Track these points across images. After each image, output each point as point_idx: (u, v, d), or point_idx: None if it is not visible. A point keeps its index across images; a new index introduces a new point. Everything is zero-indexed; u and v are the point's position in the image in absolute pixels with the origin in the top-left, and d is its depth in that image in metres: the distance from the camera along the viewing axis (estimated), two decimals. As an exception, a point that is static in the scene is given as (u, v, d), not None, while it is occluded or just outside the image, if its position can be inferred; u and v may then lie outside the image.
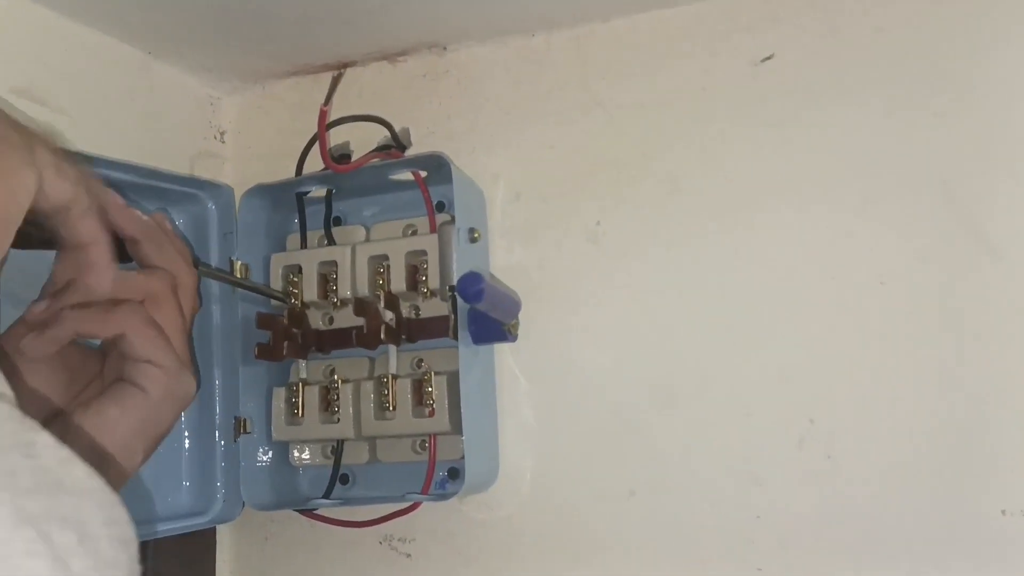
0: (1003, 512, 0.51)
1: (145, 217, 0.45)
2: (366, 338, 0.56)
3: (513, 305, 0.57)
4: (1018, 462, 0.51)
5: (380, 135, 0.63)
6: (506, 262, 0.61)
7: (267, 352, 0.58)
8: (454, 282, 0.54)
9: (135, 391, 0.41)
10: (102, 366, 0.44)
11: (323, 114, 0.55)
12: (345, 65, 0.65)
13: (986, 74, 0.54)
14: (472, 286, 0.47)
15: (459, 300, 0.53)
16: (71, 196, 0.38)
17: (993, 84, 0.53)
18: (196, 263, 0.51)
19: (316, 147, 0.59)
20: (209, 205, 0.61)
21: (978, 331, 0.52)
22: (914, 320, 0.53)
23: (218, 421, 0.59)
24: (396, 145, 0.63)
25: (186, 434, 0.59)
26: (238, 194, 0.61)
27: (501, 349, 0.61)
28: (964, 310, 0.52)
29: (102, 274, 0.41)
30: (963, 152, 0.53)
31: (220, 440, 0.59)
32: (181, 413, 0.45)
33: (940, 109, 0.54)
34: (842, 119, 0.56)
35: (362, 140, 0.64)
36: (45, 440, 0.26)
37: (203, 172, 0.66)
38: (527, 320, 0.60)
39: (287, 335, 0.59)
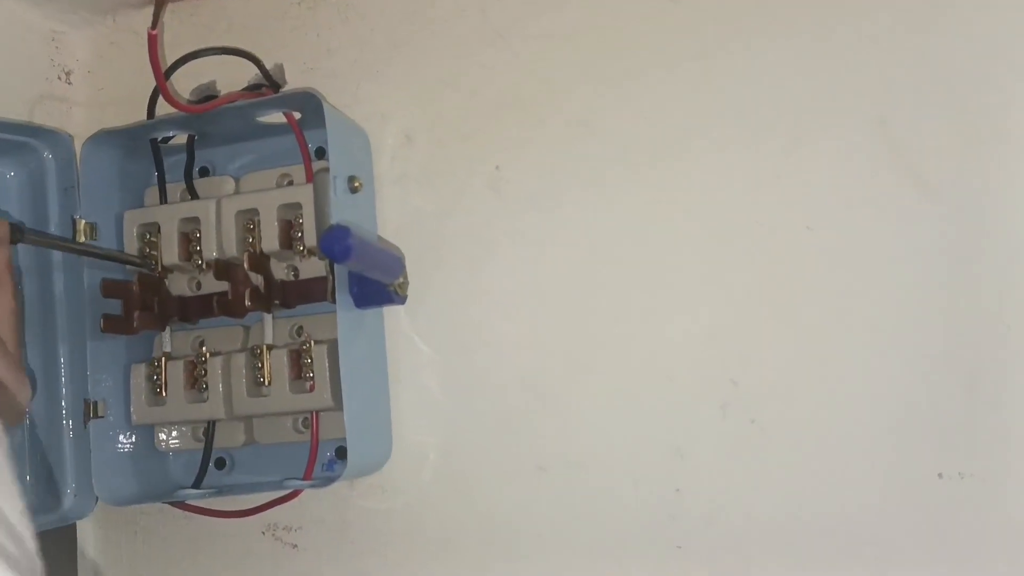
0: (940, 475, 0.47)
1: None
2: (230, 305, 0.49)
3: (393, 262, 0.50)
4: (954, 423, 0.47)
5: (251, 73, 0.55)
6: (398, 214, 0.55)
7: (116, 325, 0.51)
8: (333, 238, 0.47)
9: None
10: None
11: (152, 39, 0.46)
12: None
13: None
14: (338, 242, 0.39)
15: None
16: None
17: (934, 4, 0.48)
18: (21, 230, 0.44)
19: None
20: (46, 155, 0.53)
21: (912, 281, 0.48)
22: (843, 269, 0.49)
23: (65, 405, 0.52)
24: (268, 83, 0.55)
25: (27, 422, 0.51)
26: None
27: (395, 313, 0.54)
28: (897, 257, 0.48)
29: None
30: (901, 84, 0.48)
31: (69, 427, 0.51)
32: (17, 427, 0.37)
33: (875, 34, 0.48)
34: (769, 50, 0.50)
35: (231, 79, 0.56)
36: None
37: (46, 119, 0.57)
38: (424, 279, 0.54)
39: (141, 304, 0.51)
